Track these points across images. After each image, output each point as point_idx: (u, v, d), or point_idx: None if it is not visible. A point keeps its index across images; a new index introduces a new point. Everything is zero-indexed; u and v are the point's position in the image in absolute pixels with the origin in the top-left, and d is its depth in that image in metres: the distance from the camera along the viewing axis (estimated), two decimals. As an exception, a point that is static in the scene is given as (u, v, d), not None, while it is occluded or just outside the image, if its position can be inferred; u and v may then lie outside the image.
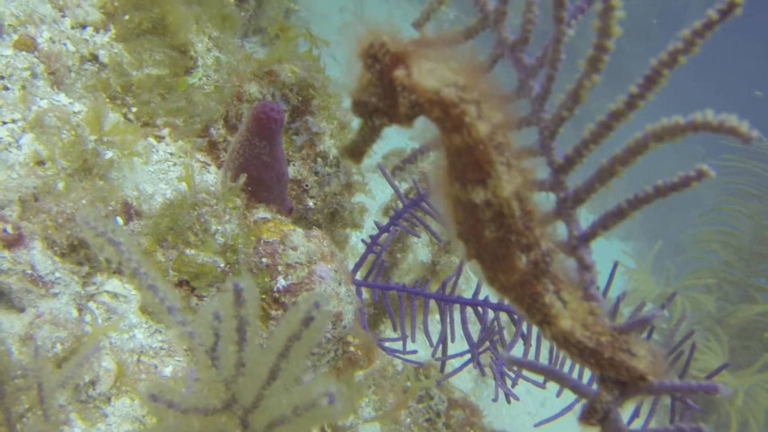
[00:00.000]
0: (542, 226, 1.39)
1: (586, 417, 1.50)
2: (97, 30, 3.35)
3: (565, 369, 3.44)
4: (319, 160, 3.51)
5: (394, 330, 3.70)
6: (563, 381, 1.57)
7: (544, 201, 1.44)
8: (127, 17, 3.40)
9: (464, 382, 6.56)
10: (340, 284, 2.96)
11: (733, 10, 1.08)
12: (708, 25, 1.10)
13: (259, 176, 3.01)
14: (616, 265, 3.25)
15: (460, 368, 3.63)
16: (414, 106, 1.25)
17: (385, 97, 1.28)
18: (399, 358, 3.68)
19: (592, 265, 1.44)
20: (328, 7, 13.10)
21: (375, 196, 7.25)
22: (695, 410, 3.02)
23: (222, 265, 2.76)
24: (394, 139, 11.53)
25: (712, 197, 11.44)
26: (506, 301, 3.49)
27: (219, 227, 2.79)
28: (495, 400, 3.59)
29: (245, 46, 6.21)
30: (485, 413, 4.87)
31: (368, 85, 1.28)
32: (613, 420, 1.48)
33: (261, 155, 2.96)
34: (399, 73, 1.24)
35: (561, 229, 1.47)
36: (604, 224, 1.38)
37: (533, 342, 3.53)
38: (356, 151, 1.43)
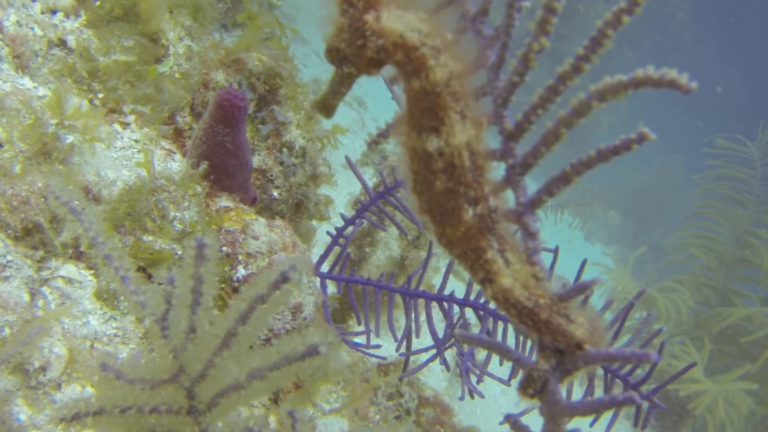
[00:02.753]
0: (496, 190, 1.43)
1: (524, 387, 1.52)
2: (67, 15, 3.31)
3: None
4: (284, 150, 3.48)
5: (359, 324, 3.66)
6: (506, 354, 1.59)
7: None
8: (98, 3, 3.37)
9: (438, 381, 6.54)
10: (300, 275, 2.92)
11: None
12: None
13: (222, 164, 2.98)
14: (584, 262, 3.22)
15: (425, 364, 3.60)
16: (380, 50, 1.32)
17: (353, 43, 1.34)
18: (362, 352, 3.65)
19: (536, 232, 1.45)
20: (313, 3, 13.07)
21: (351, 189, 7.22)
22: (661, 409, 3.01)
23: (180, 252, 2.72)
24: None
25: (696, 201, 11.46)
26: (471, 297, 3.46)
27: (177, 214, 2.75)
28: (461, 398, 3.56)
29: (225, 39, 6.17)
30: (458, 412, 4.85)
31: (341, 31, 1.34)
32: (551, 392, 1.48)
33: (224, 143, 2.93)
34: (369, 16, 1.31)
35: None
36: (548, 190, 1.38)
37: (499, 338, 3.50)
38: (326, 104, 1.48)
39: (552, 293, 1.45)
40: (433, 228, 1.46)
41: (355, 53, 1.35)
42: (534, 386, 1.49)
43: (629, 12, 1.14)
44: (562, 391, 1.51)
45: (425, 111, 1.32)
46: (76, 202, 1.57)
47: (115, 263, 1.57)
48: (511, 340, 3.45)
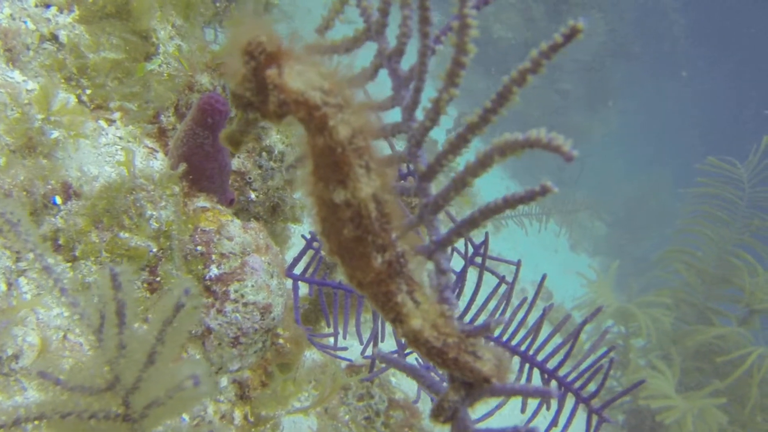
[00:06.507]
0: (405, 230, 1.46)
1: (435, 414, 1.57)
2: (60, 10, 3.38)
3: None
4: (264, 154, 3.57)
5: (328, 326, 3.75)
6: (420, 379, 1.64)
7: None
8: (91, 0, 3.43)
9: (410, 384, 6.60)
10: (272, 276, 3.02)
11: (575, 35, 1.16)
12: (553, 47, 1.18)
13: (201, 166, 3.07)
14: (544, 277, 3.31)
15: (385, 368, 3.69)
16: (282, 104, 1.31)
17: (258, 93, 1.35)
18: (329, 354, 3.74)
19: (446, 269, 1.51)
20: (312, 2, 13.10)
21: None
22: (609, 423, 3.10)
23: (155, 249, 2.81)
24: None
25: (682, 218, 11.55)
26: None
27: (154, 213, 2.84)
28: (415, 402, 3.66)
29: (219, 36, 6.24)
30: (427, 415, 4.92)
31: (244, 80, 1.35)
32: (460, 419, 1.54)
33: (204, 145, 3.02)
34: (270, 72, 1.30)
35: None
36: (458, 231, 1.45)
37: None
38: (233, 140, 1.51)
39: (460, 329, 1.51)
40: (344, 270, 1.49)
41: (261, 103, 1.37)
42: (444, 414, 1.56)
43: (533, 71, 1.21)
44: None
45: (330, 166, 1.34)
46: (11, 213, 1.62)
47: (54, 275, 1.64)
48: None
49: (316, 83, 1.29)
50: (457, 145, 1.37)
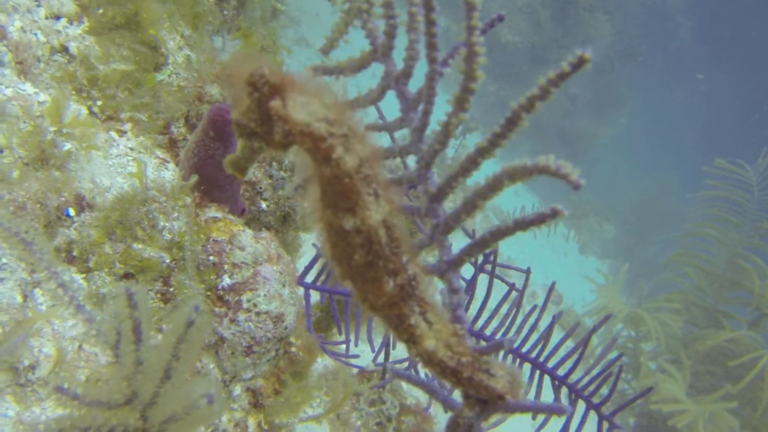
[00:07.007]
0: (416, 252, 1.47)
1: (450, 431, 1.59)
2: (70, 22, 3.40)
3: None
4: (274, 164, 3.59)
5: (339, 334, 3.77)
6: (433, 394, 1.66)
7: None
8: (101, 11, 3.46)
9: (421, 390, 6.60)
10: (283, 286, 3.03)
11: (582, 65, 1.17)
12: (561, 76, 1.19)
13: (212, 176, 3.09)
14: (553, 285, 3.33)
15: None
16: (287, 135, 1.32)
17: (262, 123, 1.35)
18: (340, 361, 3.76)
19: (458, 288, 1.53)
20: (320, 6, 13.12)
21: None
22: (619, 429, 3.11)
23: (168, 260, 2.84)
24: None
25: (691, 221, 11.54)
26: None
27: (166, 224, 2.86)
28: (427, 409, 3.67)
29: (227, 44, 6.27)
30: (439, 421, 4.94)
31: (248, 111, 1.35)
32: None
33: (215, 156, 3.04)
34: (275, 103, 1.30)
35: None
36: (469, 252, 1.47)
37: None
38: (238, 166, 1.51)
39: (473, 348, 1.53)
40: (356, 293, 1.50)
41: (265, 133, 1.36)
42: (459, 430, 1.58)
43: (542, 98, 1.23)
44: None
45: (339, 194, 1.35)
46: (25, 233, 1.64)
47: (70, 292, 1.65)
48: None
49: (320, 114, 1.30)
50: (467, 168, 1.39)
